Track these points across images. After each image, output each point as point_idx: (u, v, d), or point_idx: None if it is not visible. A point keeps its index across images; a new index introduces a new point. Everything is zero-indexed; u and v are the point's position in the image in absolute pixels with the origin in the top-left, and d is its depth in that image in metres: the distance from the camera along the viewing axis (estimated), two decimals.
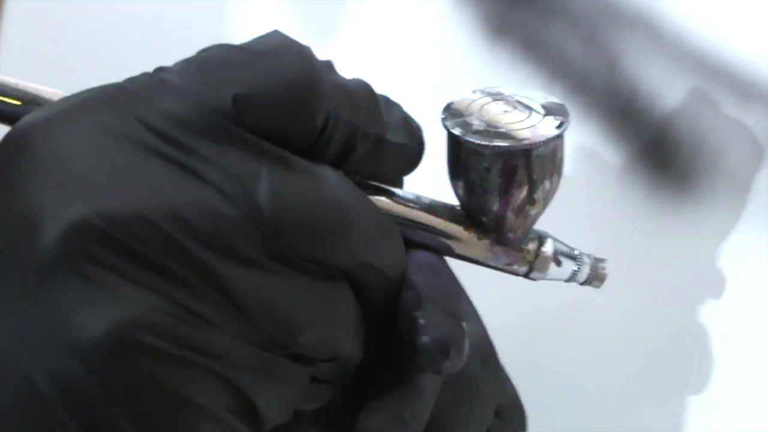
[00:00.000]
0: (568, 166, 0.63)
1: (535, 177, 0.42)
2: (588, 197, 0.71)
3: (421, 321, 0.39)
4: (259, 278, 0.35)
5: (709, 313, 0.70)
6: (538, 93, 0.45)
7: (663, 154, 0.69)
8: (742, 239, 0.69)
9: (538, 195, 0.43)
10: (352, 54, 0.68)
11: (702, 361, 0.71)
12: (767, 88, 0.67)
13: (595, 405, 0.74)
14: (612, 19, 0.68)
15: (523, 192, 0.43)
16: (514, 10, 0.71)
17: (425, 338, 0.39)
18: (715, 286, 0.70)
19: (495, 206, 0.43)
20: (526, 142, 0.41)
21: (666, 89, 0.68)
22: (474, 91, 0.45)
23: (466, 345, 0.39)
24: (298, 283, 0.36)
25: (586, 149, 0.70)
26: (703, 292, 0.70)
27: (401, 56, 0.76)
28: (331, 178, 0.38)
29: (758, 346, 0.70)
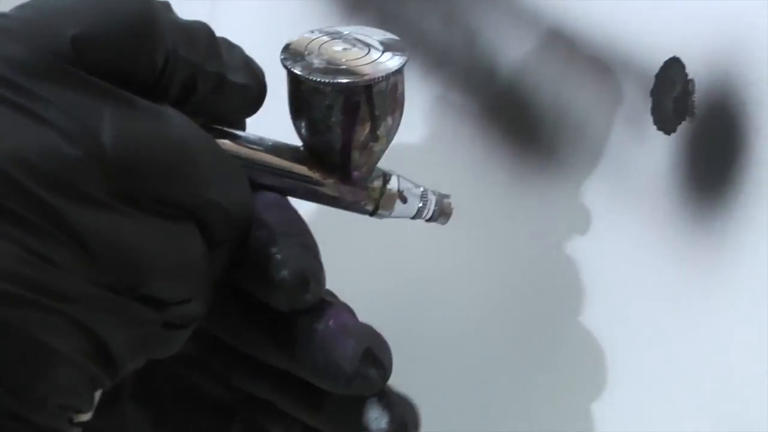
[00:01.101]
0: (429, 142, 0.62)
1: (377, 113, 0.43)
2: (448, 173, 0.71)
3: (278, 256, 0.40)
4: (105, 219, 0.35)
5: (575, 286, 0.71)
6: (375, 30, 0.45)
7: (525, 128, 0.69)
8: (606, 211, 0.70)
9: (381, 131, 0.44)
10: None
11: (563, 318, 0.72)
12: (625, 61, 0.68)
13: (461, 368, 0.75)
14: None
15: (366, 128, 0.43)
16: None
17: (284, 272, 0.39)
18: (581, 257, 0.71)
19: (338, 144, 0.43)
20: (366, 77, 0.42)
21: (526, 63, 0.68)
22: (312, 31, 0.45)
23: (324, 276, 0.41)
24: (144, 223, 0.37)
25: (447, 124, 0.70)
26: (568, 265, 0.71)
27: (254, 33, 0.74)
28: (174, 117, 0.38)
29: (616, 306, 0.72)
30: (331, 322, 0.41)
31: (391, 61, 0.43)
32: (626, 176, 0.69)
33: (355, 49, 0.43)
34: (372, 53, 0.43)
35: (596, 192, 0.69)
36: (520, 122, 0.69)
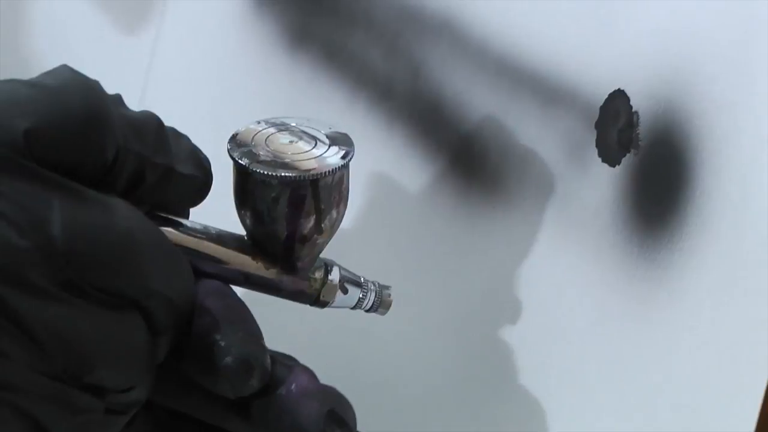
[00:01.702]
0: (375, 173, 0.62)
1: (322, 206, 0.44)
2: (395, 205, 0.70)
3: (222, 343, 0.40)
4: (52, 309, 0.36)
5: (521, 317, 0.71)
6: (322, 122, 0.46)
7: (471, 159, 0.69)
8: (552, 242, 0.70)
9: (326, 224, 0.44)
10: (151, 56, 0.66)
11: (512, 364, 0.72)
12: (570, 93, 0.67)
13: (406, 408, 0.74)
14: (415, 27, 0.67)
15: (311, 221, 0.44)
16: (315, 19, 0.70)
17: (228, 359, 0.40)
18: (526, 288, 0.71)
19: (282, 235, 0.44)
20: (313, 171, 0.43)
21: (471, 95, 0.68)
22: (258, 122, 0.46)
23: (268, 361, 0.41)
24: (90, 313, 0.37)
25: (391, 157, 0.70)
26: (514, 296, 0.71)
27: (199, 62, 0.74)
28: (121, 208, 0.39)
29: (571, 348, 0.71)
30: (293, 387, 0.42)
31: (337, 156, 0.44)
32: (571, 208, 0.69)
33: (301, 142, 0.44)
34: (318, 147, 0.44)
35: (541, 223, 0.69)
36: (465, 154, 0.69)
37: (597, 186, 0.68)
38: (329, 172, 0.43)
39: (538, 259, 0.69)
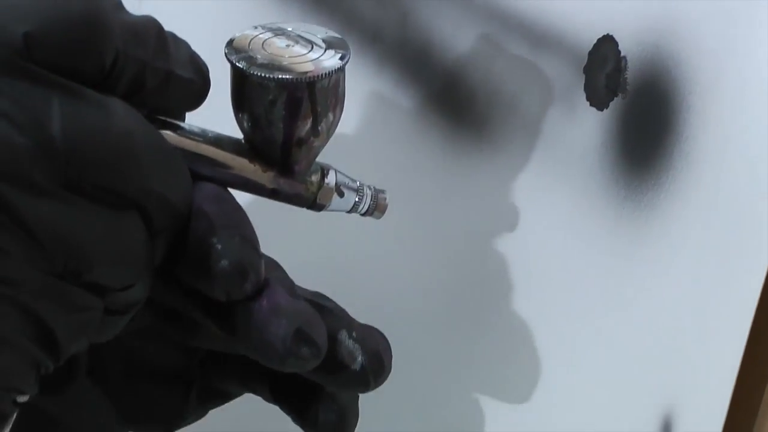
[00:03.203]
0: (364, 116, 0.62)
1: (319, 109, 0.45)
2: (384, 144, 0.70)
3: (218, 246, 0.41)
4: (51, 208, 0.37)
5: (506, 257, 0.72)
6: (318, 28, 0.47)
7: (458, 101, 0.68)
8: (539, 184, 0.71)
9: (322, 127, 0.45)
10: None
11: (496, 302, 0.73)
12: (558, 38, 0.68)
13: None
14: None
15: (308, 124, 0.45)
16: None
17: (224, 262, 0.40)
18: (512, 229, 0.71)
19: (279, 138, 0.45)
20: (310, 74, 0.43)
21: (459, 39, 0.67)
22: (255, 27, 0.47)
23: (263, 267, 0.42)
24: (89, 211, 0.38)
25: (380, 98, 0.69)
26: (500, 236, 0.72)
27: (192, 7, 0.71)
28: (120, 109, 0.40)
29: (556, 285, 0.73)
30: (264, 302, 0.43)
31: (334, 59, 0.44)
32: (558, 151, 0.70)
33: (297, 46, 0.45)
34: (315, 50, 0.45)
35: (528, 167, 0.69)
36: (453, 98, 0.68)
37: (584, 129, 0.70)
38: (326, 74, 0.42)
39: (525, 201, 0.70)
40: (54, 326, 0.36)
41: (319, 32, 0.45)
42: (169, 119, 0.43)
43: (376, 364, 0.43)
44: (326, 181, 0.46)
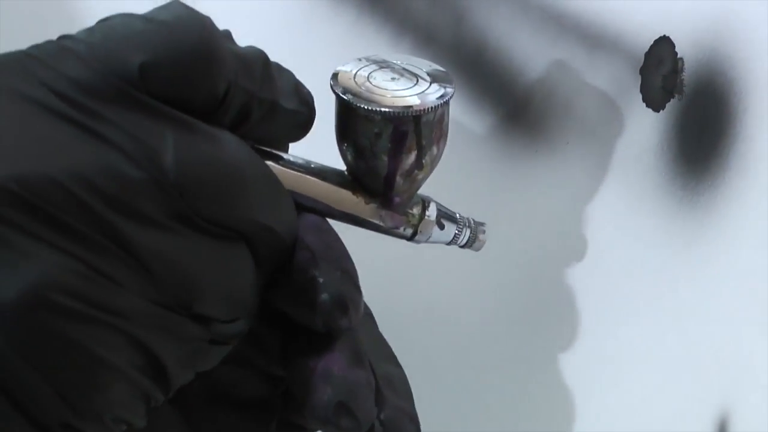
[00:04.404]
0: None
1: (423, 142, 0.45)
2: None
3: (320, 279, 0.41)
4: (163, 239, 0.37)
5: (562, 260, 0.72)
6: (422, 61, 0.47)
7: (514, 103, 0.68)
8: (595, 185, 0.71)
9: (426, 160, 0.46)
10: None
11: (553, 295, 0.73)
12: (615, 39, 0.68)
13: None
14: None
15: (412, 157, 0.45)
16: None
17: (325, 296, 0.41)
18: (568, 231, 0.72)
19: (383, 171, 0.45)
20: (416, 108, 0.43)
21: (514, 40, 0.67)
22: (359, 59, 0.47)
23: (362, 302, 0.43)
24: (200, 244, 0.38)
25: None
26: (555, 239, 0.72)
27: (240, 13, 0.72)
28: (231, 142, 0.40)
29: (612, 286, 0.73)
30: (319, 365, 0.43)
31: (439, 93, 0.44)
32: (615, 153, 0.70)
33: (403, 79, 0.45)
34: (420, 84, 0.45)
35: (584, 168, 0.69)
36: (509, 99, 0.69)
37: (641, 130, 0.70)
38: (431, 108, 0.43)
39: (581, 203, 0.70)
40: (164, 358, 0.37)
41: (423, 65, 0.46)
42: (273, 150, 0.43)
43: None
44: (427, 213, 0.46)
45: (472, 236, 0.48)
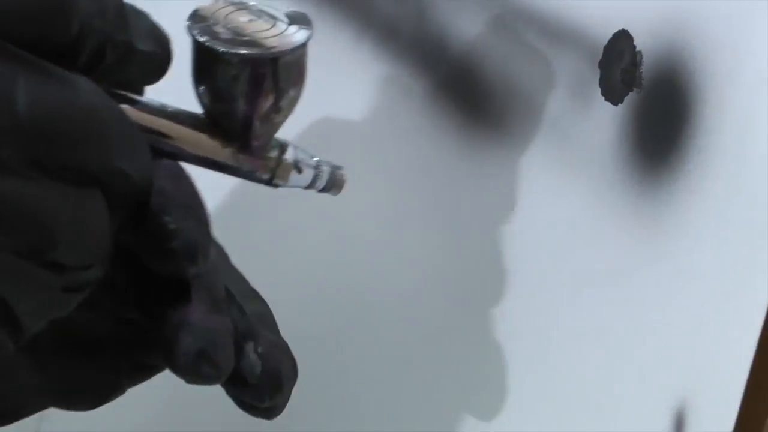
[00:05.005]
0: (380, 110, 0.62)
1: (281, 85, 0.44)
2: (400, 138, 0.70)
3: (172, 226, 0.40)
4: (16, 186, 0.36)
5: (521, 253, 0.72)
6: (280, 3, 0.45)
7: (474, 96, 0.68)
8: (554, 178, 0.71)
9: (284, 103, 0.47)
10: None
11: (509, 287, 0.73)
12: (574, 33, 0.68)
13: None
14: None
15: (270, 100, 0.44)
16: None
17: (176, 243, 0.40)
18: (528, 224, 0.71)
19: (241, 114, 0.44)
20: (274, 50, 0.42)
21: (476, 35, 0.67)
22: (217, 0, 0.46)
23: (213, 252, 0.42)
24: (53, 190, 0.37)
25: (397, 93, 0.69)
26: (515, 232, 0.71)
27: None
28: (85, 86, 0.38)
29: (570, 279, 0.73)
30: (178, 313, 0.41)
31: (298, 35, 0.42)
32: (574, 145, 0.70)
33: (260, 21, 0.43)
34: (278, 25, 0.43)
35: (544, 161, 0.69)
36: (470, 93, 0.68)
37: (600, 124, 0.70)
38: (289, 50, 0.41)
39: (539, 195, 0.70)
40: (16, 307, 0.36)
41: (282, 7, 0.45)
42: (127, 93, 0.42)
43: (274, 383, 0.42)
44: (284, 157, 0.45)
45: (330, 179, 0.48)
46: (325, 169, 0.46)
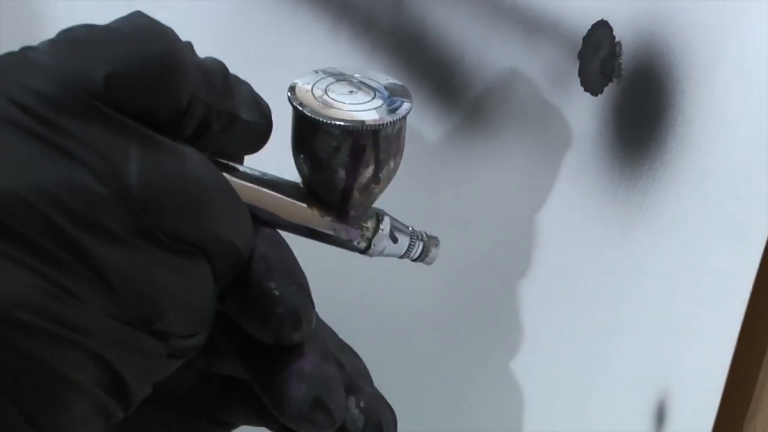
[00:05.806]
0: None
1: (381, 157, 0.45)
2: None
3: (276, 292, 0.41)
4: (126, 255, 0.37)
5: (500, 244, 0.72)
6: (380, 75, 0.47)
7: (452, 89, 0.68)
8: (533, 169, 0.71)
9: (383, 174, 0.46)
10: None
11: (489, 281, 0.73)
12: (553, 23, 0.68)
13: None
14: None
15: (369, 171, 0.45)
16: None
17: (280, 309, 0.41)
18: (505, 215, 0.71)
19: (341, 184, 0.45)
20: (375, 122, 0.43)
21: (453, 26, 0.67)
22: (317, 71, 0.47)
23: (315, 317, 0.43)
24: (162, 260, 0.38)
25: None
26: (493, 223, 0.71)
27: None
28: (194, 157, 0.40)
29: (541, 266, 0.73)
30: (291, 364, 0.42)
31: (397, 107, 0.44)
32: (553, 137, 0.69)
33: (360, 93, 0.45)
34: (378, 98, 0.45)
35: (523, 152, 0.69)
36: (448, 83, 0.68)
37: (579, 114, 0.70)
38: (390, 123, 0.43)
39: (518, 187, 0.70)
40: (125, 375, 0.36)
41: (380, 79, 0.46)
42: (229, 162, 0.43)
43: None
44: (381, 227, 0.46)
45: (424, 250, 0.49)
46: (420, 239, 0.47)
